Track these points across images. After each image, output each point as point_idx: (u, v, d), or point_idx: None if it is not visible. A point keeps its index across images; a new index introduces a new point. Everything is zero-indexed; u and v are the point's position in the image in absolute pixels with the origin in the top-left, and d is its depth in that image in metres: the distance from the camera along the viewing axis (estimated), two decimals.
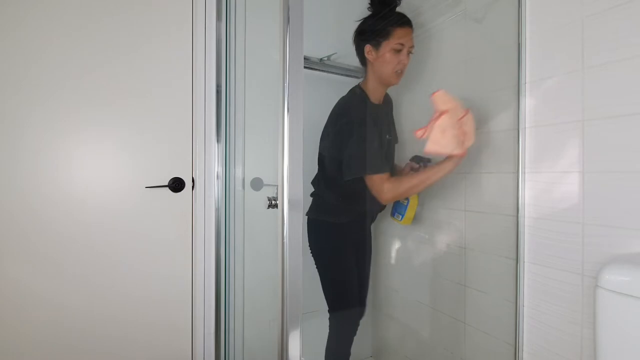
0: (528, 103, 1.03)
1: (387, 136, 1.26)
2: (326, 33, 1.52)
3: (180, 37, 1.22)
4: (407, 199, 1.33)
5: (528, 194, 1.03)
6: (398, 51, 1.14)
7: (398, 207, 1.39)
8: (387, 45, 1.13)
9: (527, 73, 1.03)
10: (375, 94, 1.22)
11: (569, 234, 0.93)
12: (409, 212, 1.35)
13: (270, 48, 0.70)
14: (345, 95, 1.23)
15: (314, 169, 1.29)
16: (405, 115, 1.49)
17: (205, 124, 1.25)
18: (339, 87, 1.29)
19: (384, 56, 1.14)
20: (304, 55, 0.64)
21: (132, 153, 1.16)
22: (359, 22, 1.22)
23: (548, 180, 0.98)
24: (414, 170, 1.28)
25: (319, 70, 1.41)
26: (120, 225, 1.14)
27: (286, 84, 0.60)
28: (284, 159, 0.61)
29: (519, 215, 1.04)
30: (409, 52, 1.17)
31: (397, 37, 1.13)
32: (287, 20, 0.60)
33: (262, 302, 1.29)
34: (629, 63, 0.82)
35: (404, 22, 1.15)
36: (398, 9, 1.18)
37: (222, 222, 1.28)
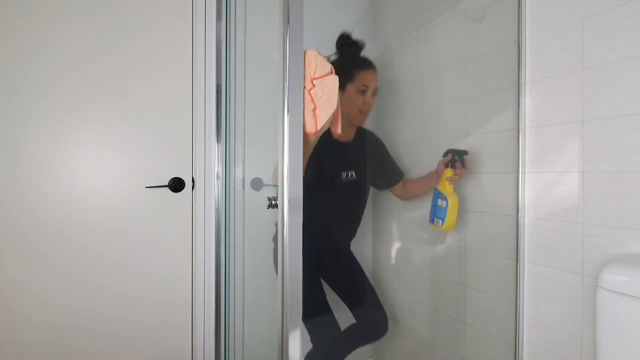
0: (528, 103, 1.03)
1: (349, 174, 1.26)
2: (326, 33, 1.52)
3: (180, 37, 1.22)
4: (446, 198, 1.17)
5: (528, 194, 1.03)
6: (363, 92, 1.19)
7: (437, 211, 1.20)
8: (352, 87, 1.18)
9: (527, 73, 1.03)
10: (342, 133, 1.26)
11: (569, 234, 0.93)
12: (450, 216, 1.17)
13: (270, 48, 0.70)
14: None
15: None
16: (409, 117, 1.49)
17: (205, 124, 1.25)
18: None
19: (349, 97, 1.19)
20: (304, 50, 0.64)
21: (132, 153, 1.16)
22: None
23: (548, 180, 0.98)
24: (448, 165, 1.17)
25: None
26: (120, 225, 1.14)
27: (286, 84, 0.60)
28: (284, 159, 0.61)
29: (519, 215, 1.04)
30: (374, 94, 1.23)
31: (361, 79, 1.18)
32: (287, 20, 0.60)
33: (262, 302, 1.29)
34: (629, 63, 0.82)
35: (368, 65, 1.21)
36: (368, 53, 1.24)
37: (222, 222, 1.28)
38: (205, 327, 1.26)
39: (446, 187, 1.19)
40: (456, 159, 1.17)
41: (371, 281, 1.41)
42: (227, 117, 1.27)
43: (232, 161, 1.28)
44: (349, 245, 1.37)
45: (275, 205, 0.63)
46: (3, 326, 1.01)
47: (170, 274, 1.22)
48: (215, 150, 1.27)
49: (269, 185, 1.20)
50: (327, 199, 1.24)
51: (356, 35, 1.27)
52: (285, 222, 0.60)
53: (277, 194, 0.62)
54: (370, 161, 1.35)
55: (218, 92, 1.27)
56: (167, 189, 1.20)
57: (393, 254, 1.57)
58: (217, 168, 1.27)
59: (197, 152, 1.24)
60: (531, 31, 1.02)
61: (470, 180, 1.21)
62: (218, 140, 1.27)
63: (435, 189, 1.22)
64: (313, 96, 0.68)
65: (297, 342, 0.61)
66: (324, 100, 0.70)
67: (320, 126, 0.70)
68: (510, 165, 1.06)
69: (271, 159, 0.68)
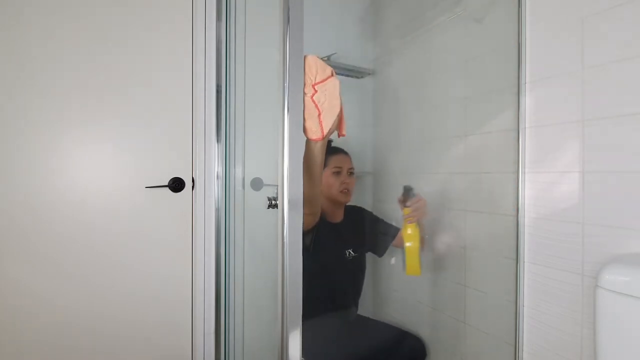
0: (528, 103, 1.03)
1: (349, 252, 1.32)
2: (326, 33, 1.52)
3: (180, 37, 1.22)
4: (403, 242, 1.16)
5: (528, 194, 1.03)
6: (338, 173, 1.27)
7: (403, 253, 1.17)
8: (328, 171, 1.27)
9: (527, 73, 1.03)
10: (330, 215, 1.32)
11: (569, 234, 0.93)
12: (410, 259, 1.13)
13: (270, 48, 0.70)
14: None
15: None
16: (409, 117, 1.49)
17: (205, 124, 1.25)
18: None
19: (327, 181, 1.27)
20: (304, 55, 0.64)
21: (132, 153, 1.16)
22: None
23: (548, 180, 0.98)
24: (401, 203, 1.20)
25: None
26: (120, 225, 1.14)
27: (286, 84, 0.60)
28: (284, 159, 0.60)
29: (519, 215, 1.04)
30: (350, 173, 1.31)
31: (334, 162, 1.28)
32: (287, 20, 0.60)
33: (262, 302, 1.29)
34: (629, 63, 0.82)
35: (338, 150, 1.31)
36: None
37: (222, 222, 1.28)
38: (205, 327, 1.25)
39: (406, 229, 1.14)
40: (407, 196, 1.15)
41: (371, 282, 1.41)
42: (227, 117, 1.27)
43: (232, 161, 1.28)
44: (356, 311, 1.39)
45: (275, 205, 0.63)
46: (3, 326, 1.01)
47: (170, 274, 1.22)
48: (215, 150, 1.27)
49: (269, 185, 1.20)
50: (334, 281, 1.31)
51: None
52: (285, 222, 0.60)
53: (277, 194, 0.62)
54: (366, 234, 1.42)
55: (218, 92, 1.27)
56: (167, 189, 1.20)
57: (392, 253, 1.57)
58: (217, 168, 1.27)
59: (197, 152, 1.24)
60: (531, 31, 1.02)
61: (470, 180, 1.21)
62: (218, 140, 1.27)
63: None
64: (316, 102, 0.68)
65: (297, 342, 0.61)
66: (326, 105, 0.69)
67: (327, 131, 0.70)
68: (510, 165, 1.07)
69: (271, 159, 0.68)
